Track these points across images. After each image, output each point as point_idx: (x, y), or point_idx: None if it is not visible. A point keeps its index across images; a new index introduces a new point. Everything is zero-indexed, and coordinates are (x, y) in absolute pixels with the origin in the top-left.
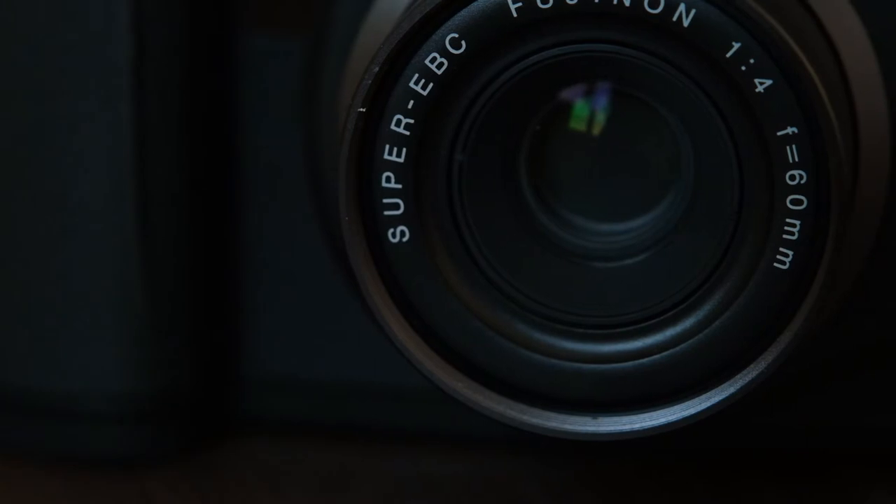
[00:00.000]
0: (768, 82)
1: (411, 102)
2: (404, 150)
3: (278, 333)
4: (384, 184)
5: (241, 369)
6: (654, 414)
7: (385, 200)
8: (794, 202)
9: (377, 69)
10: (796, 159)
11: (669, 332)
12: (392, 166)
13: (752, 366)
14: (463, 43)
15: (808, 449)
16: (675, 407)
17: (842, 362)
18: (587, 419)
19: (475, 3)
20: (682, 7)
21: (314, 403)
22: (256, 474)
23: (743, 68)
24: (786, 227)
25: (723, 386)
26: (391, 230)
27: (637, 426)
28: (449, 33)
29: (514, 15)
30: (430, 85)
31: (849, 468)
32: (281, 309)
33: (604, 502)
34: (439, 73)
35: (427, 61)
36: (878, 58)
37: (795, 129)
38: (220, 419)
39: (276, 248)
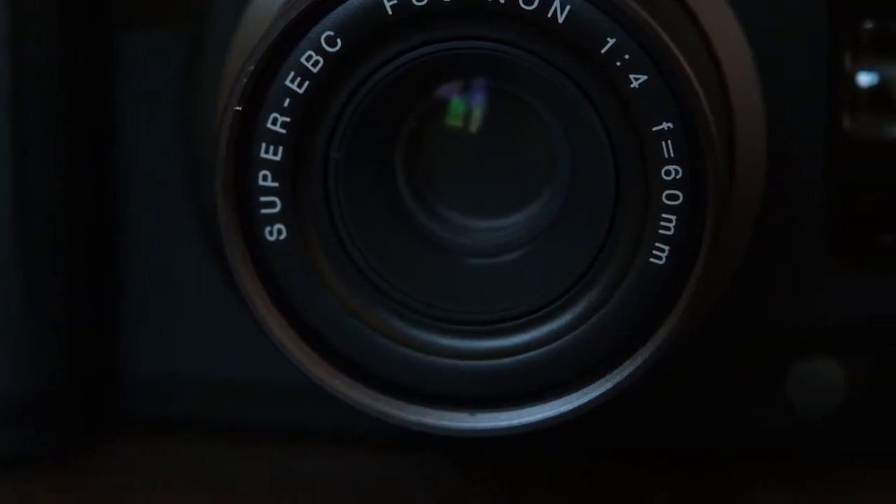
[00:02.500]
0: (643, 78)
1: (287, 101)
2: (281, 148)
3: (158, 332)
4: (261, 182)
5: (122, 369)
6: (531, 410)
7: (262, 199)
8: (669, 197)
9: (253, 67)
10: (671, 154)
11: (546, 329)
12: (269, 165)
13: (628, 362)
14: (338, 41)
15: (689, 445)
16: (552, 403)
17: (719, 359)
18: (464, 415)
19: (350, 1)
20: (556, 3)
21: (195, 402)
22: (138, 474)
23: (618, 64)
24: (661, 223)
25: (599, 382)
26: (268, 228)
27: (514, 422)
28: (324, 31)
29: (390, 13)
30: (306, 83)
31: (729, 464)
32: (160, 308)
33: (486, 499)
34: (315, 70)
35: (303, 59)
36: (753, 53)
37: (671, 125)
38: (101, 419)
39: (156, 247)
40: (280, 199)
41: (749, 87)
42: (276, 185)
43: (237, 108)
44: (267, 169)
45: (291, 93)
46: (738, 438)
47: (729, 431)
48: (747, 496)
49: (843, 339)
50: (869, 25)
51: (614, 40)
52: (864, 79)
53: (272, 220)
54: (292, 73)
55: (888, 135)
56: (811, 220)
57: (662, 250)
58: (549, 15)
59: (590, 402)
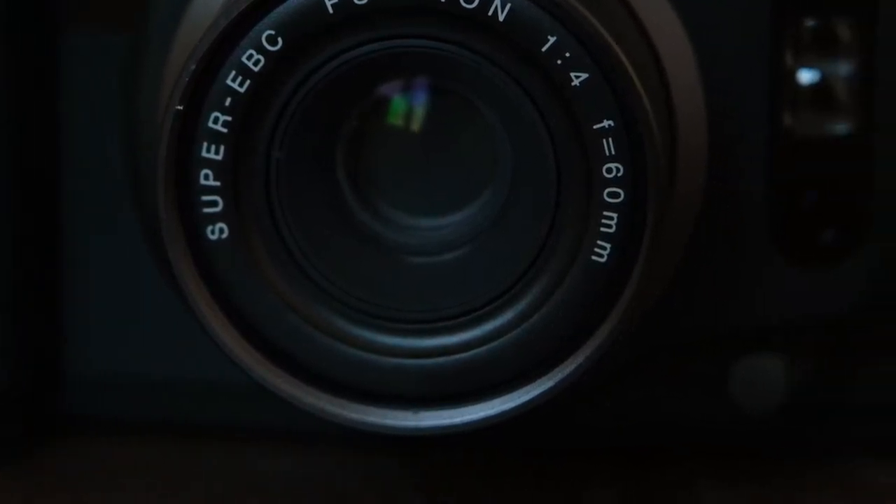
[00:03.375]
0: (584, 76)
1: (229, 100)
2: (222, 147)
3: (103, 332)
4: (203, 181)
5: (66, 369)
6: (474, 408)
7: (204, 198)
8: (611, 195)
9: (194, 67)
10: (613, 152)
11: (488, 327)
12: (210, 164)
13: (569, 360)
14: (279, 40)
15: (633, 443)
16: (495, 401)
17: (662, 357)
18: (407, 414)
19: (291, 1)
20: (497, 2)
21: (140, 401)
22: (83, 474)
23: (559, 62)
24: (603, 221)
25: (541, 380)
26: (210, 227)
27: (457, 420)
28: (265, 30)
29: (330, 11)
30: (248, 82)
31: (672, 461)
32: (105, 307)
33: (430, 498)
34: (256, 70)
35: (244, 58)
36: (694, 52)
37: (612, 123)
38: (47, 419)
39: (99, 247)
40: (222, 198)
41: (690, 84)
42: (217, 184)
43: (179, 107)
44: (208, 168)
45: (233, 92)
46: (681, 436)
47: (672, 429)
48: (691, 494)
49: (786, 337)
50: (810, 23)
51: (555, 38)
52: (806, 76)
53: (214, 219)
54: (233, 73)
55: (829, 132)
56: (753, 217)
57: (604, 248)
58: (490, 13)
59: (532, 399)
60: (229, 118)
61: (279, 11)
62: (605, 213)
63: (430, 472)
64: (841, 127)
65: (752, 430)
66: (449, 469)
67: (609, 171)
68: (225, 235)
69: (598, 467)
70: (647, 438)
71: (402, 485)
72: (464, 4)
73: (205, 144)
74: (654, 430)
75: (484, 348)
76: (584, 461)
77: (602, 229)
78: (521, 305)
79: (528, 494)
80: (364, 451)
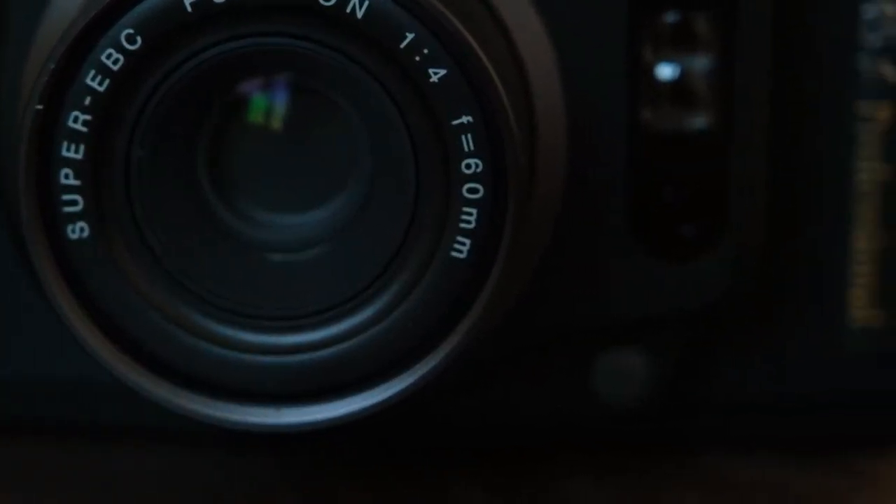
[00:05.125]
0: (442, 72)
1: (88, 99)
2: (82, 146)
3: None
4: (63, 180)
5: None
6: (335, 405)
7: (64, 197)
8: (470, 191)
9: (54, 66)
10: (472, 148)
11: (349, 323)
12: (70, 163)
13: (430, 356)
14: (138, 39)
15: (498, 439)
16: (356, 398)
17: (525, 352)
18: (270, 411)
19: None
20: None
21: (7, 401)
22: None
23: (417, 59)
24: (462, 217)
25: (402, 376)
26: (70, 226)
27: (318, 417)
28: (124, 29)
29: (189, 10)
30: (107, 81)
31: (537, 457)
32: None
33: (295, 496)
34: (115, 69)
35: (103, 57)
36: (553, 46)
37: (470, 119)
38: None
39: None
40: (82, 197)
41: (549, 79)
42: (78, 183)
43: (38, 107)
44: (69, 167)
45: (92, 91)
46: (545, 432)
47: (536, 425)
48: (556, 489)
49: (647, 331)
50: (668, 18)
51: (413, 35)
52: (664, 71)
53: (74, 218)
54: (93, 72)
55: (688, 127)
56: (614, 211)
57: (463, 244)
58: (349, 10)
59: (393, 396)
60: (89, 117)
61: (138, 10)
62: (465, 209)
63: (299, 469)
64: (699, 121)
65: (616, 424)
66: (314, 466)
67: (468, 166)
68: (85, 234)
69: (465, 464)
70: (511, 434)
71: (270, 483)
72: (322, 2)
73: (65, 144)
74: (518, 427)
75: (345, 345)
76: (450, 458)
77: (461, 225)
78: (381, 302)
79: (396, 491)
80: (234, 449)
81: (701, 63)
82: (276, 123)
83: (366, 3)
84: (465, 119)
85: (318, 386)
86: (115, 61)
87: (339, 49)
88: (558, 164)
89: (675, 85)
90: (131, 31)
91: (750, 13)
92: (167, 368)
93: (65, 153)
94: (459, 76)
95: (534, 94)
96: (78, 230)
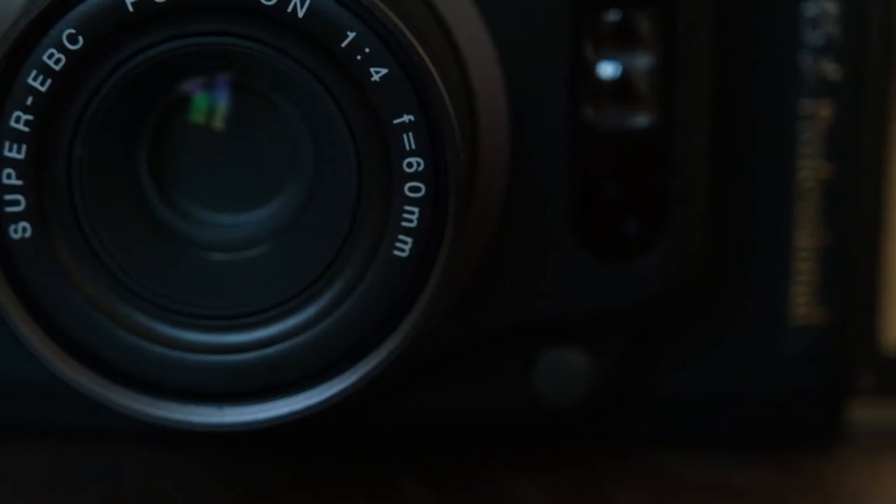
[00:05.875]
0: (384, 71)
1: (30, 99)
2: (24, 146)
3: None
4: (5, 181)
5: None
6: (278, 403)
7: (6, 197)
8: (412, 189)
9: None
10: (413, 147)
11: (291, 322)
12: (12, 163)
13: (372, 354)
14: (80, 38)
15: (440, 436)
16: (299, 396)
17: (467, 349)
18: (212, 410)
19: None
20: None
21: None
22: None
23: (358, 58)
24: (404, 215)
25: (345, 374)
26: (13, 226)
27: (261, 416)
28: (66, 29)
29: (130, 10)
30: (49, 81)
31: (480, 454)
32: None
33: (242, 494)
34: (57, 68)
35: (45, 57)
36: (494, 45)
37: (412, 117)
38: None
39: None
40: (24, 197)
41: (491, 78)
42: (19, 183)
43: None
44: (11, 167)
45: (34, 91)
46: (488, 430)
47: (479, 423)
48: (498, 486)
49: (589, 329)
50: (610, 17)
51: (355, 34)
52: (606, 70)
53: (16, 218)
54: (34, 72)
55: (629, 125)
56: (556, 209)
57: (406, 242)
58: (290, 10)
59: (336, 394)
60: (31, 117)
61: (80, 10)
62: (407, 207)
63: (242, 468)
64: (640, 120)
65: (557, 423)
66: (261, 465)
67: (410, 165)
68: (28, 234)
69: (409, 463)
70: (453, 433)
71: (213, 482)
72: (263, 2)
73: (7, 143)
74: (460, 425)
75: (287, 344)
76: (394, 455)
77: (403, 224)
78: (324, 301)
79: (340, 488)
80: (177, 449)
81: (642, 62)
82: (218, 123)
83: (307, 3)
84: (406, 118)
85: (260, 385)
86: (57, 61)
87: (281, 48)
88: (500, 163)
89: (617, 83)
90: (73, 30)
91: (691, 12)
92: (110, 368)
93: (7, 153)
94: (401, 75)
95: (475, 92)
96: (20, 230)
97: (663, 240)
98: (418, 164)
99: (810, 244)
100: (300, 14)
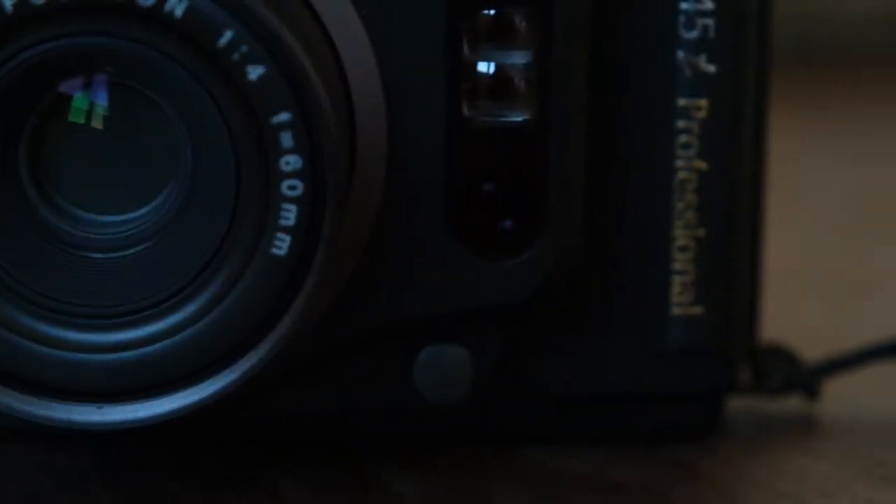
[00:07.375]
0: (260, 70)
1: None
2: None
3: None
4: None
5: None
6: (158, 402)
7: None
8: (289, 187)
9: None
10: (290, 145)
11: (171, 321)
12: None
13: (252, 352)
14: None
15: (320, 435)
16: (178, 394)
17: (346, 348)
18: (92, 409)
19: None
20: None
21: None
22: None
23: (235, 57)
24: (282, 213)
25: (224, 372)
26: None
27: (140, 415)
28: None
29: (9, 10)
30: None
31: (360, 453)
32: None
33: (124, 494)
34: None
35: None
36: (371, 42)
37: (289, 116)
38: None
39: None
40: None
41: (368, 75)
42: None
43: None
44: None
45: None
46: (370, 428)
47: (361, 420)
48: (379, 485)
49: (468, 326)
50: (487, 13)
51: (231, 33)
52: (483, 66)
53: None
54: None
55: (506, 122)
56: (434, 207)
57: (283, 240)
58: (167, 10)
59: (216, 392)
60: None
61: None
62: (284, 205)
63: (125, 468)
64: (517, 116)
65: (438, 420)
66: (143, 465)
67: (287, 163)
68: None
69: (292, 460)
70: (335, 431)
71: (95, 481)
72: (140, 2)
73: None
74: (342, 423)
75: (166, 342)
76: (277, 454)
77: (281, 222)
78: (203, 299)
79: (223, 486)
80: (61, 449)
81: (519, 58)
82: (97, 123)
83: (185, 2)
84: (283, 116)
85: (141, 383)
86: None
87: (159, 48)
88: (378, 161)
89: (494, 80)
90: None
91: (567, 8)
92: None
93: None
94: (277, 74)
95: (353, 90)
96: None
97: (541, 236)
98: (296, 162)
99: (689, 240)
100: (178, 14)
